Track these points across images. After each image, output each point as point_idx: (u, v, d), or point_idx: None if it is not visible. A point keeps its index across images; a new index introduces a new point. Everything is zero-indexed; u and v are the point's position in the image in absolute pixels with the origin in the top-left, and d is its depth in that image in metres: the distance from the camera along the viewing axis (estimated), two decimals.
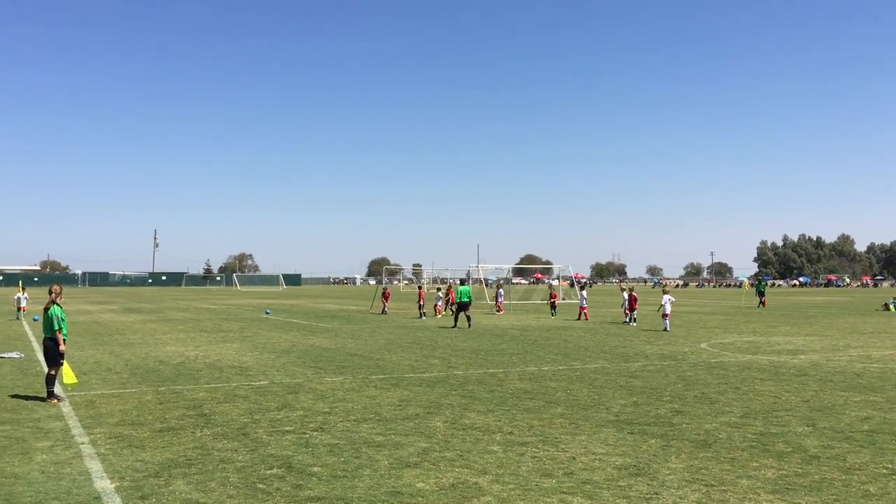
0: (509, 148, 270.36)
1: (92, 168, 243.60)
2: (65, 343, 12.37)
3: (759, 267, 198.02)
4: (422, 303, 36.80)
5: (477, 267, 60.86)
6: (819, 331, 26.96)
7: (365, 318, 35.22)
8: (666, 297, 27.23)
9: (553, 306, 36.77)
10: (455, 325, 28.86)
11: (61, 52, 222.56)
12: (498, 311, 39.41)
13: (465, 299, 29.46)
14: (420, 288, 39.88)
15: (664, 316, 26.80)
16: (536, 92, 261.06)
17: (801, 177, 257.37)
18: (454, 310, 36.32)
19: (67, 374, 12.51)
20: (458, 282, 34.38)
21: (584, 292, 35.95)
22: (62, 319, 12.34)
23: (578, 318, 33.34)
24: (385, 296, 40.46)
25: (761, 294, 47.41)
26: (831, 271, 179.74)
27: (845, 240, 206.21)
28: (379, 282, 60.85)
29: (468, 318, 29.04)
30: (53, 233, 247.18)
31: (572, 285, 64.59)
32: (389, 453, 8.64)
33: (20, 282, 40.91)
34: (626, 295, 30.89)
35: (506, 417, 10.73)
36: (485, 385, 13.84)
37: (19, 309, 35.11)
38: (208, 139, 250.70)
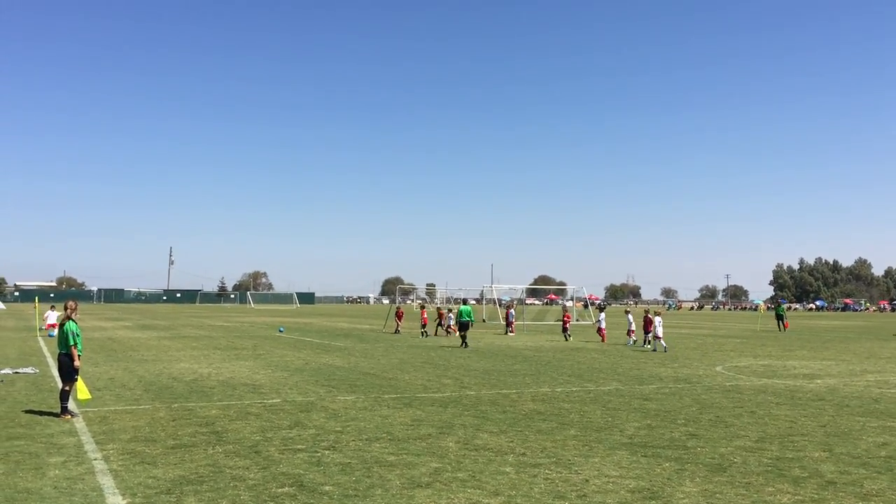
0: (523, 168, 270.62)
1: (109, 185, 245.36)
2: (79, 359, 12.43)
3: (774, 290, 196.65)
4: (424, 322, 37.21)
5: (490, 287, 60.82)
6: (836, 355, 26.70)
7: (378, 338, 35.21)
8: (657, 318, 28.13)
9: (565, 328, 35.79)
10: (463, 344, 28.69)
11: (78, 70, 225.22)
12: (510, 331, 39.13)
13: (466, 319, 29.24)
14: (422, 308, 39.91)
15: (656, 337, 27.83)
16: (551, 112, 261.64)
17: (817, 200, 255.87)
18: (452, 330, 36.37)
19: (81, 389, 12.56)
20: (462, 301, 34.35)
21: (603, 314, 35.68)
22: (77, 335, 12.41)
23: (603, 340, 32.86)
24: (399, 315, 40.49)
25: (780, 317, 46.80)
26: (848, 295, 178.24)
27: (862, 263, 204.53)
28: (392, 301, 60.93)
29: (464, 339, 28.87)
30: (69, 249, 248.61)
31: (586, 306, 64.31)
32: (401, 473, 8.60)
33: (35, 298, 41.15)
34: (631, 318, 31.01)
35: (518, 438, 10.68)
36: (498, 406, 13.78)
37: (48, 326, 35.15)
38: (224, 158, 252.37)
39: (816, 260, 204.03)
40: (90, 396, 13.05)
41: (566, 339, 34.24)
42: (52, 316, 35.79)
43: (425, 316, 38.00)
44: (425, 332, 36.54)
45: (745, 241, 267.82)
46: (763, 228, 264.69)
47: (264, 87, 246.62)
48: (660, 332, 27.86)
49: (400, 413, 12.88)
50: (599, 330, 34.18)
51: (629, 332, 30.90)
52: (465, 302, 32.60)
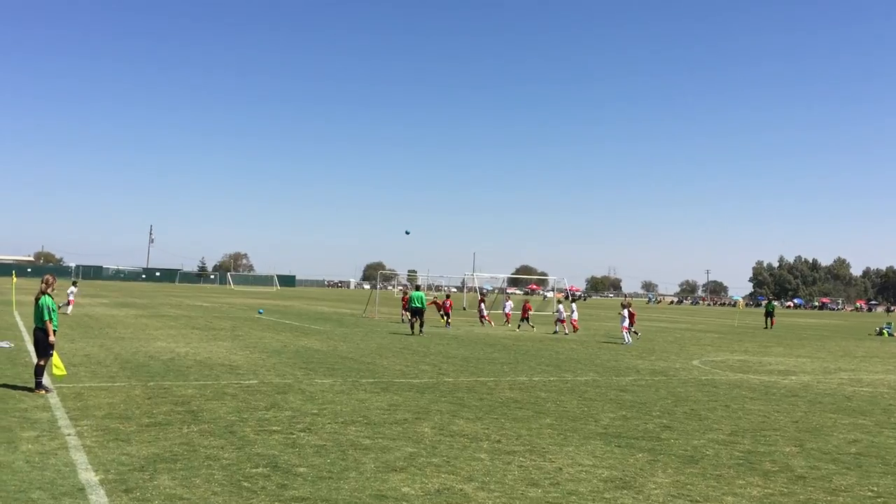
0: (509, 159, 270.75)
1: (90, 161, 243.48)
2: (55, 334, 12.34)
3: (754, 287, 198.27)
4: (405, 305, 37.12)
5: (472, 275, 60.83)
6: (811, 353, 26.98)
7: (357, 322, 35.17)
8: (624, 310, 27.97)
9: (525, 319, 34.56)
10: (412, 331, 27.99)
11: (60, 46, 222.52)
12: (486, 321, 36.53)
13: (418, 305, 28.65)
14: (404, 294, 39.33)
15: (624, 329, 27.67)
16: (539, 106, 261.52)
17: (798, 199, 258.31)
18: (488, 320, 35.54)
19: (57, 365, 12.46)
20: (415, 287, 33.79)
21: (562, 306, 35.21)
22: (53, 310, 12.31)
23: (575, 330, 32.82)
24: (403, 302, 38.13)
25: (769, 314, 46.88)
26: (826, 294, 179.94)
27: (841, 263, 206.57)
28: (373, 286, 60.84)
29: (421, 325, 28.16)
30: (49, 224, 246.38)
31: (567, 298, 64.48)
32: (376, 457, 8.62)
33: (13, 272, 40.69)
34: (626, 313, 28.32)
35: (494, 426, 10.72)
36: (475, 393, 13.82)
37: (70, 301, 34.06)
38: (208, 138, 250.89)
39: (796, 258, 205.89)
40: (65, 372, 12.95)
41: (518, 328, 33.66)
42: (74, 292, 34.98)
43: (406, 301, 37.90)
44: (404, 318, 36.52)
45: (726, 238, 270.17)
46: (744, 226, 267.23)
47: (250, 73, 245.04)
48: (627, 323, 27.82)
49: (377, 397, 12.89)
50: (567, 321, 33.45)
51: (623, 328, 28.07)
52: (417, 288, 32.38)
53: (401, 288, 47.16)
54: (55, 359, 12.43)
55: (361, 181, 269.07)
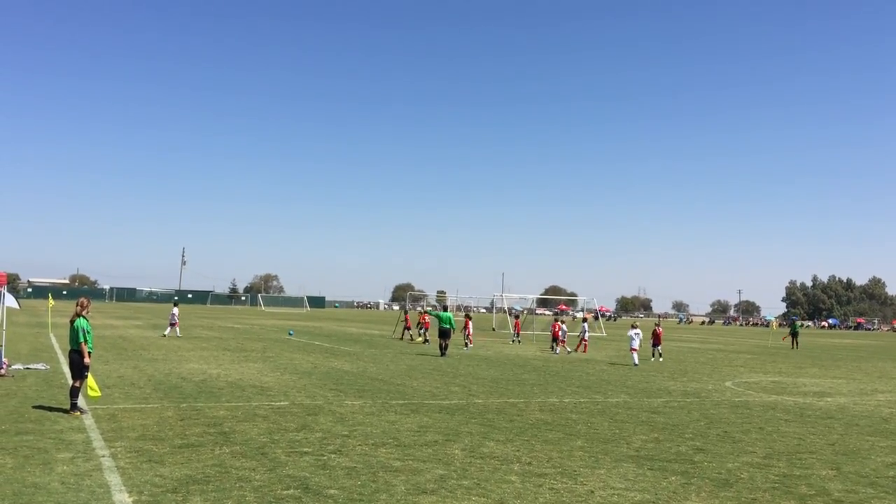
0: (537, 178, 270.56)
1: (123, 185, 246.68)
2: (90, 356, 12.51)
3: (787, 307, 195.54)
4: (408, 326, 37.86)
5: (501, 296, 60.71)
6: (847, 374, 26.53)
7: (387, 343, 35.20)
8: (633, 330, 26.90)
9: (554, 339, 32.41)
10: (442, 353, 27.35)
11: (92, 68, 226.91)
12: (469, 343, 34.03)
13: (447, 326, 27.98)
14: (406, 312, 39.82)
15: (633, 350, 26.53)
16: (565, 124, 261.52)
17: (832, 217, 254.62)
18: (425, 334, 35.09)
19: (91, 387, 12.63)
20: (442, 308, 33.60)
21: (565, 326, 34.82)
22: (88, 332, 12.49)
23: (577, 350, 32.75)
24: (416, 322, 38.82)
25: (794, 335, 46.70)
26: (861, 314, 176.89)
27: (876, 283, 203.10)
28: (402, 308, 60.90)
29: (445, 347, 27.56)
30: (83, 247, 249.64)
31: (597, 318, 64.08)
32: (406, 479, 8.61)
33: (49, 294, 41.24)
34: (634, 333, 27.17)
35: (525, 448, 10.67)
36: (505, 414, 13.77)
37: (173, 325, 34.76)
38: (239, 161, 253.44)
39: (830, 278, 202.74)
40: (100, 394, 13.12)
41: (554, 351, 31.95)
42: (176, 314, 35.67)
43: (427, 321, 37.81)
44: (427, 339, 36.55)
45: (758, 257, 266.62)
46: (777, 245, 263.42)
47: (280, 93, 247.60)
48: (636, 344, 26.69)
49: (407, 419, 12.89)
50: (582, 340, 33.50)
51: (633, 349, 27.00)
52: (445, 309, 32.13)
53: (429, 308, 46.57)
54: (90, 380, 12.61)
55: (390, 202, 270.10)
